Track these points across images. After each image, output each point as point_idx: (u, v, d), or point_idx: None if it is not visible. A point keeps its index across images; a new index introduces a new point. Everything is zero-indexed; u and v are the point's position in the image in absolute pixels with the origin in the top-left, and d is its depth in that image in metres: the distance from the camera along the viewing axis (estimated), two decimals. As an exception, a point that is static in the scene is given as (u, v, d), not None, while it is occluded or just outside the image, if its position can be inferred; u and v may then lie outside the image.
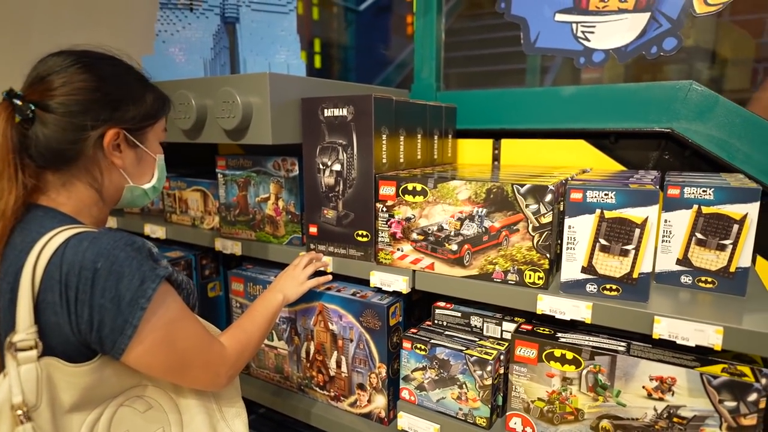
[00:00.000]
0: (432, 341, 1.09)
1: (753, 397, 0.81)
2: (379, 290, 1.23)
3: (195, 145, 1.35)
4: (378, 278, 1.16)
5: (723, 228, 0.96)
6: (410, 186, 1.10)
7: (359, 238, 1.19)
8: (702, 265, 0.99)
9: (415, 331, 1.15)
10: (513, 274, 1.02)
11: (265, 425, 1.76)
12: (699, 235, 0.98)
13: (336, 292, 1.23)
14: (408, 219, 1.12)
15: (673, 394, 0.87)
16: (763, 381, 0.81)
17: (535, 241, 0.99)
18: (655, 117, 1.29)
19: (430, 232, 1.10)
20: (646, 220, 0.90)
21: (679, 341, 0.87)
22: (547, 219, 0.97)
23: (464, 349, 1.06)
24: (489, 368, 1.02)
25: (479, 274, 1.06)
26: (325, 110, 1.18)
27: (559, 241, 1.05)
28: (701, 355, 0.90)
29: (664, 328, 0.87)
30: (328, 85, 1.33)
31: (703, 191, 0.97)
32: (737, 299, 0.93)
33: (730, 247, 0.96)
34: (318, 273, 1.24)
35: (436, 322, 1.18)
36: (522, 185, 0.98)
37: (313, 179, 1.23)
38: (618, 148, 1.37)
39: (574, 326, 1.03)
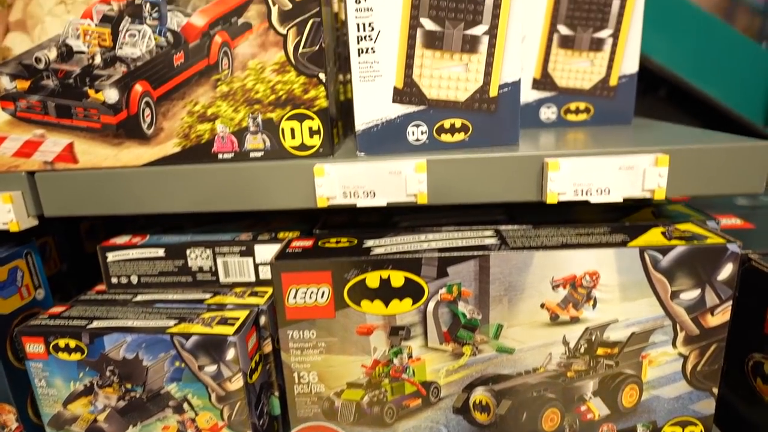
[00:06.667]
0: (94, 325, 0.45)
1: (727, 270, 0.42)
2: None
3: None
4: (-65, 208, 0.45)
5: (598, 9, 0.54)
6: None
7: None
8: (570, 83, 0.56)
9: (58, 310, 0.48)
10: (256, 133, 0.44)
11: None
12: (564, 29, 0.55)
13: None
14: (-24, 41, 0.42)
15: (594, 306, 0.43)
16: (733, 244, 0.42)
17: (289, 48, 0.42)
18: None
19: (44, 66, 0.43)
20: (503, -34, 0.41)
21: (593, 198, 0.42)
22: (309, -10, 0.41)
23: (173, 324, 0.44)
24: (231, 354, 0.43)
25: (183, 150, 0.44)
26: None
27: (331, 49, 0.51)
28: (611, 224, 0.48)
29: (565, 180, 0.41)
30: None
31: (565, -54, 0.52)
32: (624, 131, 0.53)
33: (610, 41, 0.55)
34: None
35: (113, 280, 0.52)
36: None
37: None
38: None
39: (391, 224, 0.52)
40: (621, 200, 0.40)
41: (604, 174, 0.40)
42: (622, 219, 0.48)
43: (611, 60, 0.54)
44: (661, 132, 0.50)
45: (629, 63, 0.54)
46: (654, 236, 0.42)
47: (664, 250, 0.40)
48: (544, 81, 0.55)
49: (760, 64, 0.91)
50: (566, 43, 0.54)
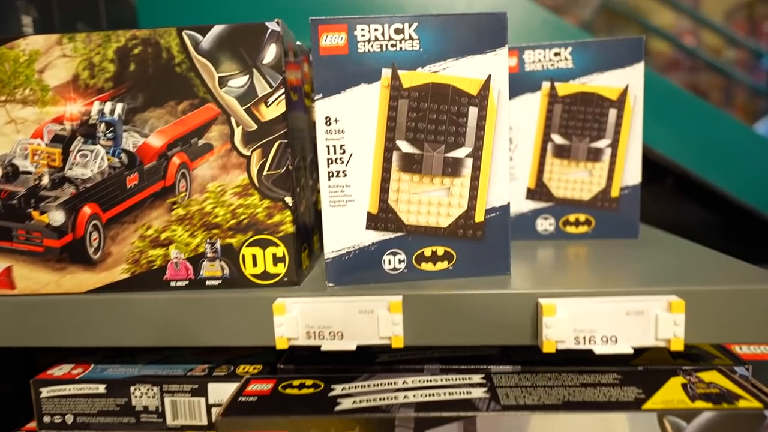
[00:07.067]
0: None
1: (768, 444, 0.34)
2: None
3: None
4: None
5: (593, 118, 0.50)
6: None
7: None
8: (568, 194, 0.51)
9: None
10: (214, 260, 0.39)
11: None
12: (558, 139, 0.51)
13: None
14: None
15: (606, 480, 0.35)
16: None
17: (253, 170, 0.38)
18: None
19: (-15, 187, 0.39)
20: (487, 82, 0.38)
21: (598, 348, 0.36)
22: (276, 109, 0.38)
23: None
24: None
25: (131, 276, 0.40)
26: None
27: (308, 160, 0.47)
28: (621, 369, 0.41)
29: (563, 325, 0.35)
30: None
31: (556, 56, 0.50)
32: (630, 249, 0.48)
33: (609, 152, 0.51)
34: None
35: (45, 419, 0.45)
36: (204, 30, 0.37)
37: None
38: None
39: (368, 357, 0.46)
40: (631, 351, 0.34)
41: (609, 320, 0.34)
42: (634, 359, 0.42)
43: (611, 170, 0.50)
44: (671, 253, 0.44)
45: (631, 174, 0.50)
46: (674, 392, 0.35)
47: (689, 416, 0.33)
48: (539, 191, 0.51)
49: (764, 153, 0.87)
50: (561, 152, 0.50)
